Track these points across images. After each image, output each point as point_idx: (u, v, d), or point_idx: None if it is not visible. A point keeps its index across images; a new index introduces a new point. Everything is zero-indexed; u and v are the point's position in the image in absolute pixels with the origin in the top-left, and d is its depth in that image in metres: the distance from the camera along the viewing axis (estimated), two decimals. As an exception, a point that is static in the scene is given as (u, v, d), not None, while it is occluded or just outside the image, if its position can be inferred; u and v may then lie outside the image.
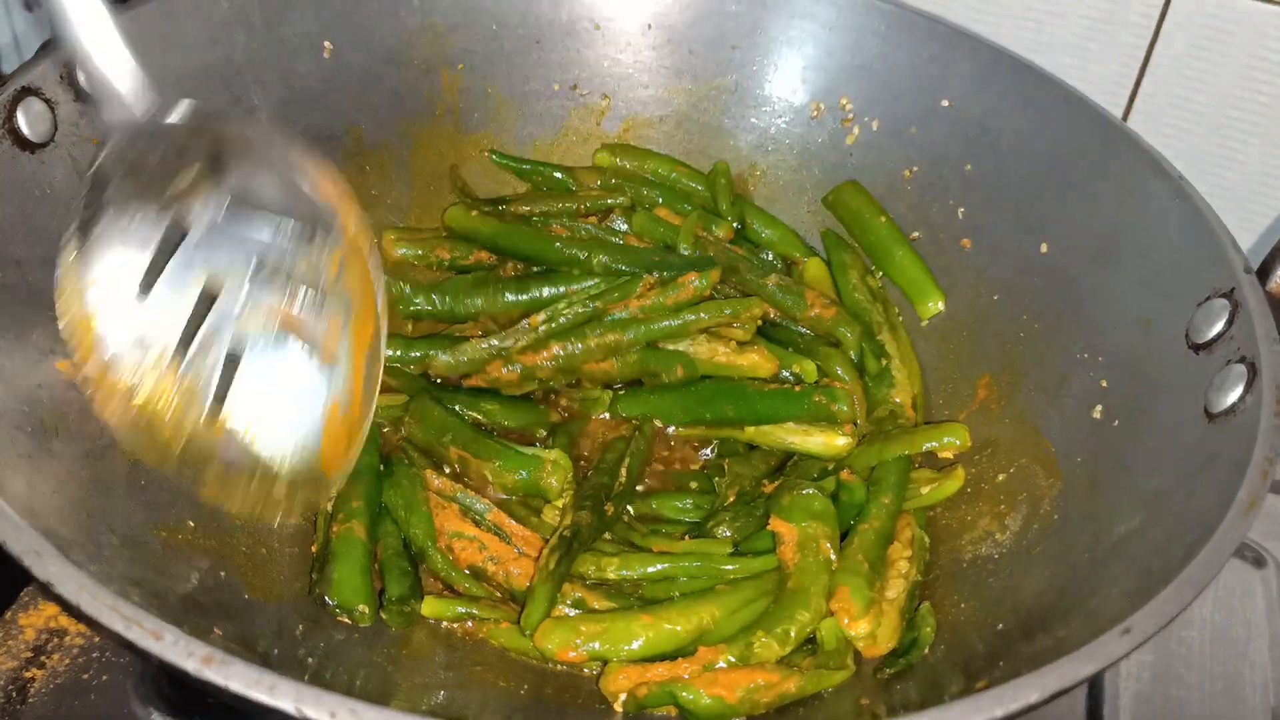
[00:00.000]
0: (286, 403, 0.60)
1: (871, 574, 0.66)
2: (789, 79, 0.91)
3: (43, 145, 0.63)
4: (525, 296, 0.83)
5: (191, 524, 0.62)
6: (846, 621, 0.64)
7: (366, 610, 0.64)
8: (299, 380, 0.60)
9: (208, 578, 0.59)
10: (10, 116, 0.61)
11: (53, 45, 0.65)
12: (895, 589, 0.67)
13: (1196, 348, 0.63)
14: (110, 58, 0.58)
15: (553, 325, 0.79)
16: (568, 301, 0.80)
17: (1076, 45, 0.94)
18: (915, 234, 0.86)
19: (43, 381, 0.59)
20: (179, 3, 0.73)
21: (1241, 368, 0.59)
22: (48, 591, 0.43)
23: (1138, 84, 0.95)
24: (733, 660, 0.62)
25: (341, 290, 0.61)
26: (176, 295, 0.58)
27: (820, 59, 0.89)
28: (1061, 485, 0.68)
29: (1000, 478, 0.72)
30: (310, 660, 0.58)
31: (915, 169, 0.87)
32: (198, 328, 0.57)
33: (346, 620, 0.63)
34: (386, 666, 0.61)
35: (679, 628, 0.63)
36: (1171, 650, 0.71)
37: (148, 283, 0.57)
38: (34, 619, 0.65)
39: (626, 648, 0.62)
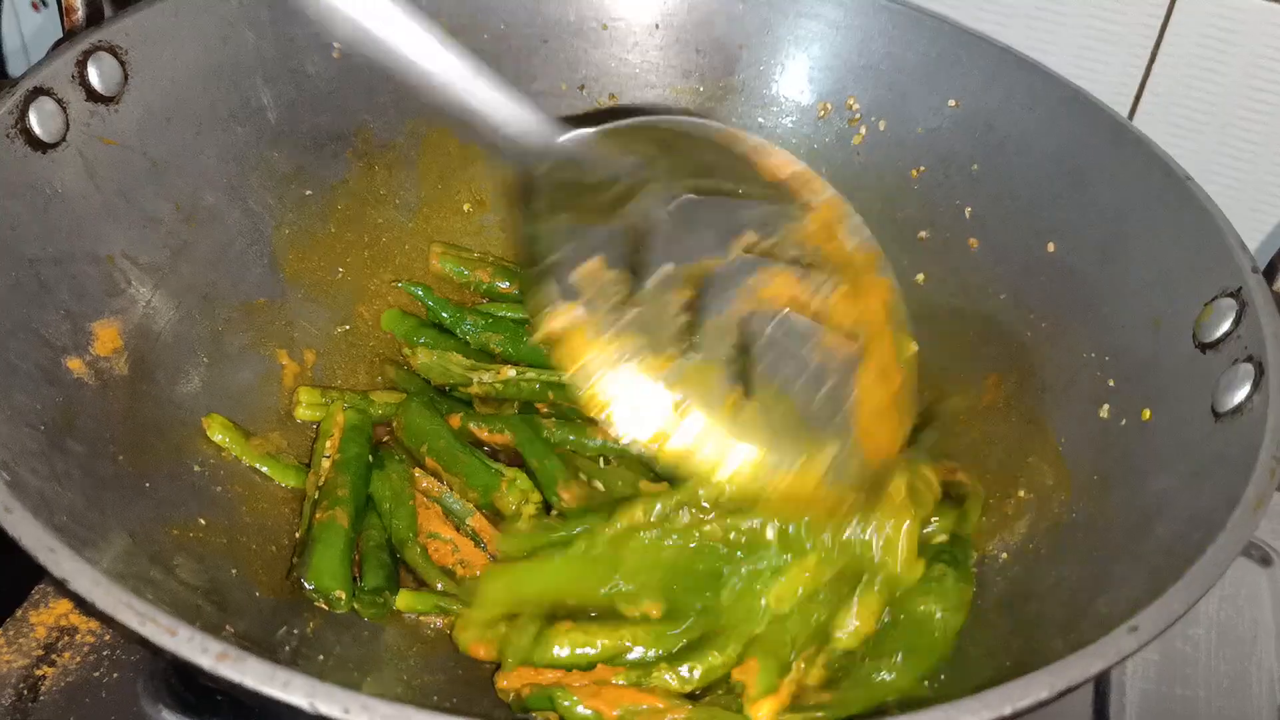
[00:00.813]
0: (810, 385, 0.55)
1: (789, 654, 0.60)
2: (796, 79, 0.91)
3: (54, 145, 0.63)
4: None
5: (203, 522, 0.62)
6: (744, 697, 0.59)
7: (343, 596, 0.64)
8: (820, 359, 0.56)
9: (219, 575, 0.60)
10: (23, 116, 0.61)
11: (64, 45, 0.66)
12: (815, 675, 0.61)
13: (1204, 347, 0.63)
14: (497, 106, 0.58)
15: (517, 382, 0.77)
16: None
17: (1082, 44, 0.94)
18: (922, 233, 0.86)
19: (56, 379, 0.59)
20: (188, 1, 0.73)
21: (1249, 367, 0.59)
22: (62, 588, 0.43)
23: (1143, 83, 0.95)
24: (623, 683, 0.59)
25: (830, 262, 0.58)
26: (663, 292, 0.55)
27: (827, 59, 0.90)
28: (1069, 484, 0.68)
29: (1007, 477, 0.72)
30: (321, 658, 0.58)
31: (922, 168, 0.87)
32: (693, 320, 0.55)
33: (324, 606, 0.64)
34: (397, 665, 0.62)
35: (596, 644, 0.61)
36: (1178, 649, 0.71)
37: (627, 289, 0.56)
38: (45, 617, 0.65)
39: (530, 650, 0.61)
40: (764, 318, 0.56)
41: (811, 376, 0.56)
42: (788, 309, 0.56)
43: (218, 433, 0.69)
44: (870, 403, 0.57)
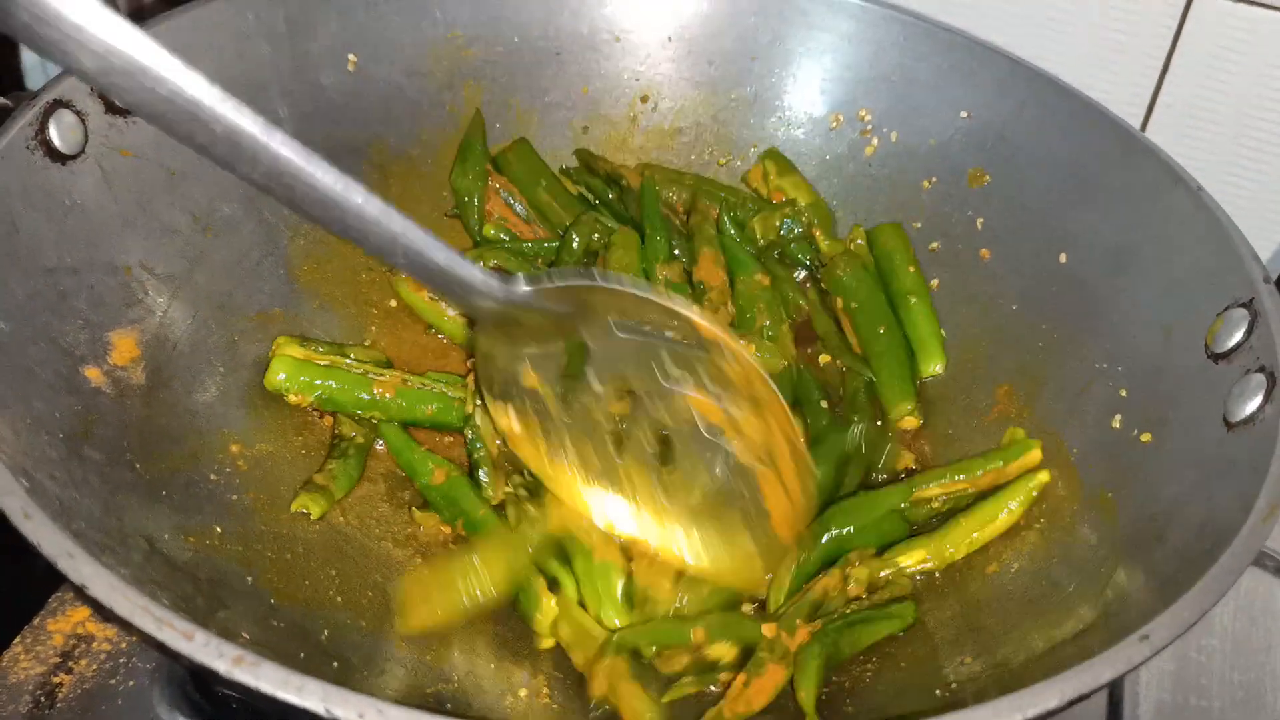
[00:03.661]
0: (726, 479, 0.65)
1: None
2: (808, 91, 0.91)
3: (73, 157, 0.64)
4: None
5: (218, 530, 0.62)
6: None
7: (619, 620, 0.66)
8: (733, 463, 0.65)
9: (234, 583, 0.60)
10: (43, 128, 0.62)
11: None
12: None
13: (1216, 357, 0.63)
14: (454, 266, 0.58)
15: None
16: None
17: (1094, 56, 0.95)
18: (934, 244, 0.86)
19: (73, 388, 0.60)
20: (204, 16, 0.74)
21: (1261, 377, 0.59)
22: (81, 594, 0.44)
23: (1155, 94, 0.95)
24: None
25: (749, 394, 0.64)
26: (593, 405, 0.65)
27: (839, 71, 0.90)
28: (1081, 494, 0.68)
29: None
30: (335, 664, 0.58)
31: (934, 180, 0.87)
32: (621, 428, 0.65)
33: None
34: (410, 671, 0.62)
35: None
36: (1192, 659, 0.71)
37: (561, 404, 0.66)
38: (62, 625, 0.66)
39: None
40: (685, 426, 0.65)
41: (727, 473, 0.65)
42: (707, 420, 0.65)
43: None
44: (776, 504, 0.65)
